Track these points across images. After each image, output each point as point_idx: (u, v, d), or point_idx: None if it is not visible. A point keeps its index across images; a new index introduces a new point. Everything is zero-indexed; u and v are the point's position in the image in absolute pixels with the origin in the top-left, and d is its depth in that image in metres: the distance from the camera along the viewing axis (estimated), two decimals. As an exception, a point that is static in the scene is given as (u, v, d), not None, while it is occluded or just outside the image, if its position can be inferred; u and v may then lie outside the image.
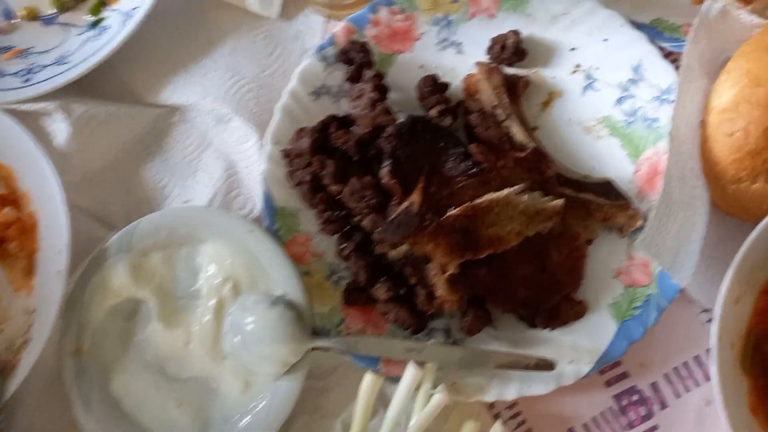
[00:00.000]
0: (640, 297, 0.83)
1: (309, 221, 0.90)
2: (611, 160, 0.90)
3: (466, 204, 0.79)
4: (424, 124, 0.86)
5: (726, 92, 0.78)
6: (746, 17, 0.83)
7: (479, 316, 0.82)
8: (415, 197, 0.80)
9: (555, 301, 0.83)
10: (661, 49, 0.89)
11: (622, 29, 0.89)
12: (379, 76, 0.90)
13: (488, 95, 0.90)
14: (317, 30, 1.01)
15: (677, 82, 0.81)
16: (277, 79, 0.98)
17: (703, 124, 0.81)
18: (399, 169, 0.82)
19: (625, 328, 0.83)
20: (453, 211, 0.79)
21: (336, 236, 0.88)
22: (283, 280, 0.85)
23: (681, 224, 0.79)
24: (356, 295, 0.85)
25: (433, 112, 0.89)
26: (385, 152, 0.83)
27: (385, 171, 0.82)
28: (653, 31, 0.90)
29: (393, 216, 0.80)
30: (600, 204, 0.85)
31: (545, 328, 0.84)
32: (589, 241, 0.86)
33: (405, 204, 0.80)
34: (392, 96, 0.94)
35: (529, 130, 0.91)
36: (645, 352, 0.84)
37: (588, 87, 0.92)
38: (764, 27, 0.81)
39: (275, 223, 0.89)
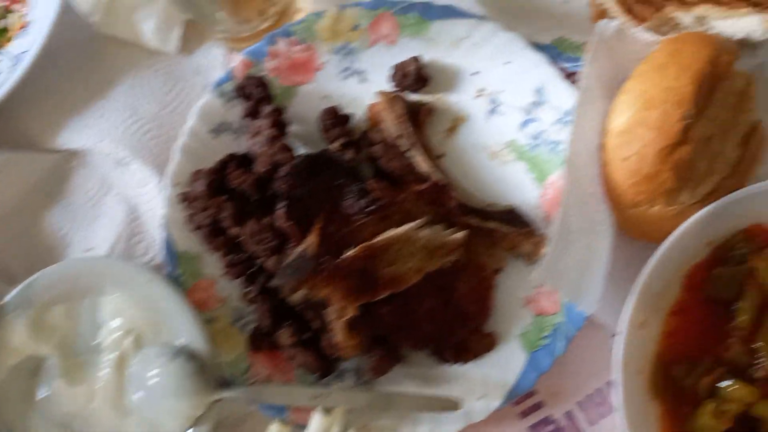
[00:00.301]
0: (548, 326, 0.82)
1: (212, 265, 0.88)
2: (518, 185, 0.89)
3: (363, 244, 0.78)
4: (321, 161, 0.85)
5: (622, 114, 0.78)
6: (643, 35, 0.83)
7: (386, 357, 0.81)
8: (312, 239, 0.78)
9: (464, 335, 0.83)
10: (564, 69, 0.89)
11: (524, 52, 0.89)
12: (278, 112, 0.88)
13: (391, 125, 0.89)
14: (218, 64, 0.99)
15: (575, 105, 0.80)
16: (177, 117, 0.96)
17: (602, 147, 0.80)
18: (295, 209, 0.81)
19: (534, 359, 0.82)
20: (348, 253, 0.77)
21: (240, 280, 0.86)
22: (186, 328, 0.83)
23: (582, 251, 0.78)
24: (262, 341, 0.84)
25: (335, 146, 0.88)
26: (280, 193, 0.81)
27: (280, 213, 0.80)
28: (555, 51, 0.89)
29: (288, 260, 0.79)
30: (505, 232, 0.84)
31: (455, 363, 0.83)
32: (497, 271, 0.86)
33: (300, 247, 0.78)
34: (296, 129, 0.93)
35: (435, 158, 0.90)
36: (558, 380, 0.83)
37: (493, 111, 0.91)
38: (660, 45, 0.80)
39: (177, 268, 0.87)
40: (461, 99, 0.92)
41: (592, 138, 0.80)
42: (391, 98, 0.90)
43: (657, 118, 0.74)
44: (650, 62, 0.79)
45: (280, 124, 0.88)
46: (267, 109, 0.88)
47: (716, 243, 0.80)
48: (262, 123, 0.88)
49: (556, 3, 0.95)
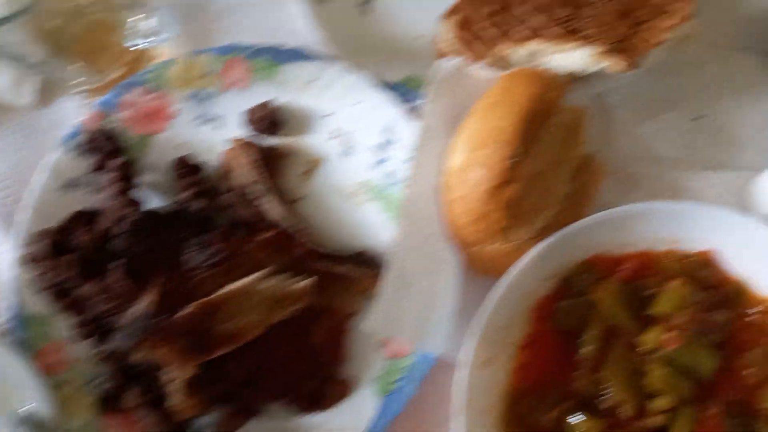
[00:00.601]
0: (400, 368, 0.82)
1: (63, 327, 0.86)
2: (374, 225, 0.89)
3: (197, 302, 0.77)
4: (166, 215, 0.85)
5: (457, 154, 0.79)
6: (481, 72, 0.84)
7: (236, 413, 0.80)
8: (150, 297, 0.78)
9: (319, 383, 0.82)
10: (413, 108, 0.90)
11: (372, 91, 0.89)
12: (124, 165, 0.88)
13: (244, 172, 0.89)
14: (74, 117, 0.99)
15: (416, 145, 0.81)
16: (32, 173, 0.95)
17: (442, 186, 0.81)
18: (134, 267, 0.80)
19: (387, 403, 0.81)
20: (183, 311, 0.77)
21: (90, 340, 0.85)
22: (33, 395, 0.82)
23: (424, 294, 0.78)
24: (112, 403, 0.83)
25: (186, 196, 0.88)
26: (118, 251, 0.81)
27: (115, 272, 0.80)
28: (404, 89, 0.90)
29: (125, 320, 0.78)
30: (357, 276, 0.85)
31: (311, 412, 0.83)
32: (351, 315, 0.86)
33: (137, 306, 0.78)
34: (152, 179, 0.93)
35: (292, 201, 0.91)
36: (413, 421, 0.83)
37: (346, 152, 0.92)
38: (496, 82, 0.82)
39: (25, 332, 0.85)
40: (316, 141, 0.93)
41: (432, 177, 0.81)
42: (243, 145, 0.90)
43: (486, 157, 0.75)
44: (484, 101, 0.80)
45: (126, 178, 0.87)
46: (113, 162, 0.88)
47: (560, 275, 0.81)
48: (109, 177, 0.87)
49: (406, 40, 0.96)
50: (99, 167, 0.89)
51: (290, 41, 0.97)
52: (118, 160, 0.88)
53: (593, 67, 0.82)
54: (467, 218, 0.77)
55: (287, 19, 0.99)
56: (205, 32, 0.99)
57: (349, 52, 0.93)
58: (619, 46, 0.80)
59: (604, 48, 0.79)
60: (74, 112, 0.98)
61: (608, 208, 0.85)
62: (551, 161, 0.78)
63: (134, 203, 0.85)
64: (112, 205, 0.85)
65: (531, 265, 0.78)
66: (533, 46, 0.82)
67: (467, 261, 0.82)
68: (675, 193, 0.87)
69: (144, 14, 0.87)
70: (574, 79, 0.83)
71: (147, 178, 0.93)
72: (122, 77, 0.96)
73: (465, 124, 0.81)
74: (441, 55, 0.87)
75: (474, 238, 0.78)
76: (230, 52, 0.92)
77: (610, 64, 0.80)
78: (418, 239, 0.79)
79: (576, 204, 0.80)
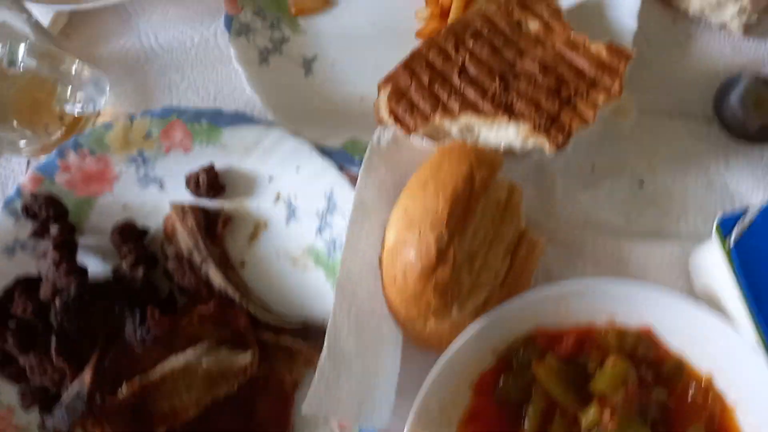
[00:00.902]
0: (344, 443, 0.84)
1: (11, 394, 0.88)
2: (318, 292, 0.89)
3: (135, 382, 0.78)
4: (104, 288, 0.85)
5: (390, 231, 0.79)
6: (419, 142, 0.84)
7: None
8: (86, 376, 0.79)
9: (262, 457, 0.84)
10: (353, 175, 0.90)
11: (311, 157, 0.90)
12: (63, 233, 0.88)
13: (185, 238, 0.90)
14: (19, 174, 0.99)
15: (349, 221, 0.82)
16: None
17: (380, 261, 0.82)
18: (75, 339, 0.81)
19: (329, 478, 0.83)
20: (121, 391, 0.78)
21: (37, 408, 0.86)
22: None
23: (365, 370, 0.79)
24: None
25: (125, 265, 0.88)
26: (54, 328, 0.81)
27: (53, 350, 0.81)
28: (345, 155, 0.90)
29: (62, 399, 0.79)
30: (300, 348, 0.85)
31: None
32: (296, 386, 0.87)
33: (75, 384, 0.78)
34: (95, 242, 0.93)
35: (235, 267, 0.91)
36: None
37: (291, 216, 0.92)
38: (432, 154, 0.82)
39: (-30, 399, 0.87)
40: (261, 204, 0.93)
41: (370, 253, 0.81)
42: (182, 210, 0.90)
43: (416, 240, 0.75)
44: (417, 176, 0.80)
45: (65, 246, 0.88)
46: (53, 230, 0.88)
47: (501, 350, 0.82)
48: (49, 245, 0.88)
49: (351, 100, 0.96)
50: (40, 233, 0.89)
51: (234, 100, 0.98)
52: (58, 227, 0.88)
53: (524, 145, 0.82)
54: (401, 297, 0.78)
55: (231, 76, 0.99)
56: (146, 90, 1.00)
57: (292, 114, 0.93)
58: (547, 125, 0.80)
59: (532, 127, 0.79)
60: (20, 168, 0.99)
61: (550, 278, 0.87)
62: (485, 239, 0.78)
63: (75, 272, 0.85)
64: (53, 275, 0.85)
65: (471, 342, 0.79)
66: (466, 119, 0.82)
67: (408, 336, 0.82)
68: (618, 262, 0.88)
69: (75, 86, 0.87)
70: (511, 151, 0.84)
71: (89, 240, 0.93)
72: (63, 138, 0.96)
73: (400, 198, 0.81)
74: (380, 121, 0.87)
75: (410, 316, 0.79)
76: (169, 114, 0.92)
77: (539, 143, 0.80)
78: (355, 317, 0.79)
79: (514, 279, 0.80)
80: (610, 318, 0.82)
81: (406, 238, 0.76)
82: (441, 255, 0.74)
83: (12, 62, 0.80)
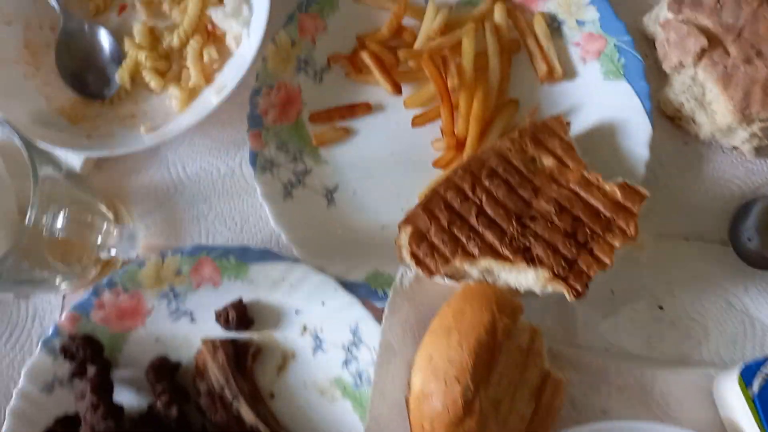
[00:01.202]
0: None
1: None
2: (346, 423, 0.93)
3: None
4: (141, 424, 0.90)
5: (417, 376, 0.83)
6: (441, 281, 0.89)
7: None
8: None
9: None
10: (377, 309, 0.94)
11: (336, 293, 0.94)
12: (100, 374, 0.93)
13: (215, 374, 0.94)
14: (56, 306, 1.05)
15: (376, 364, 0.86)
16: (17, 367, 1.01)
17: (406, 401, 0.86)
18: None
19: None
20: None
21: None
22: None
23: None
24: None
25: (160, 403, 0.93)
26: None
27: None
28: (368, 289, 0.95)
29: None
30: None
31: None
32: None
33: None
34: (130, 375, 0.98)
35: (264, 399, 0.96)
36: None
37: (317, 348, 0.96)
38: (454, 295, 0.86)
39: None
40: (288, 336, 0.98)
41: (397, 395, 0.85)
42: (213, 347, 0.95)
43: (441, 392, 0.79)
44: (440, 320, 0.84)
45: (102, 388, 0.92)
46: (91, 370, 0.93)
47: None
48: (86, 386, 0.93)
49: (373, 229, 1.01)
50: (78, 373, 0.94)
51: (260, 230, 1.04)
52: (95, 369, 0.93)
53: (543, 290, 0.86)
54: (429, 444, 0.82)
55: (257, 206, 1.04)
56: (175, 221, 1.05)
57: (316, 247, 0.98)
58: (566, 272, 0.84)
59: (550, 274, 0.84)
60: (56, 301, 1.05)
61: (575, 406, 0.90)
62: (510, 386, 0.82)
63: (112, 415, 0.90)
64: (90, 418, 0.90)
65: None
66: (486, 263, 0.86)
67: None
68: (642, 389, 0.91)
69: (108, 242, 0.93)
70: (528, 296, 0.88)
71: (124, 373, 0.98)
72: (98, 276, 1.02)
73: (424, 341, 0.85)
74: (401, 259, 0.92)
75: (438, 462, 0.83)
76: (199, 252, 0.97)
77: (558, 289, 0.84)
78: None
79: (541, 421, 0.84)
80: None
81: (433, 389, 0.80)
82: (467, 406, 0.78)
83: (52, 232, 0.86)
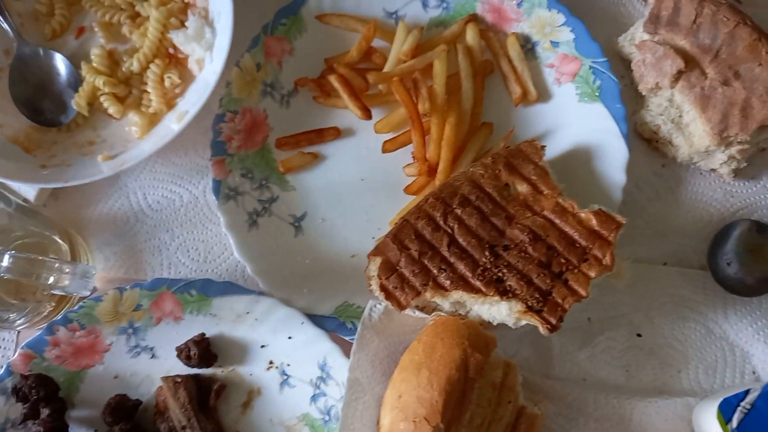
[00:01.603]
0: None
1: None
2: (314, 463, 0.92)
3: None
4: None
5: (386, 414, 0.80)
6: (411, 313, 0.87)
7: None
8: None
9: None
10: (345, 341, 0.92)
11: (303, 327, 0.92)
12: (53, 418, 0.90)
13: (176, 413, 0.91)
14: (9, 344, 1.02)
15: (343, 403, 0.84)
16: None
17: (378, 439, 0.84)
18: None
19: None
20: None
21: None
22: None
23: None
24: None
25: (118, 446, 0.91)
26: None
27: None
28: (336, 322, 0.93)
29: None
30: None
31: None
32: None
33: None
34: (87, 414, 0.95)
35: (229, 439, 0.93)
36: None
37: (284, 383, 0.94)
38: (425, 329, 0.85)
39: None
40: (254, 371, 0.95)
41: (367, 428, 0.84)
42: (174, 384, 0.92)
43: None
44: (411, 355, 0.82)
45: (56, 431, 0.90)
46: (44, 413, 0.91)
47: None
48: (38, 430, 0.90)
49: (342, 258, 0.99)
50: (30, 416, 0.91)
51: (224, 260, 1.02)
52: (48, 411, 0.90)
53: (513, 323, 0.85)
54: (399, 486, 0.80)
55: (221, 234, 1.02)
56: (135, 252, 1.03)
57: (282, 279, 0.96)
58: (540, 305, 0.82)
59: (523, 307, 0.82)
60: (10, 338, 1.02)
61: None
62: (483, 423, 0.79)
63: (63, 461, 0.87)
64: (42, 463, 0.87)
65: None
66: (457, 296, 0.85)
67: None
68: (620, 420, 0.89)
69: (60, 280, 0.90)
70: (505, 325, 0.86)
71: (82, 414, 0.95)
72: (53, 313, 0.99)
73: (394, 378, 0.83)
74: (371, 290, 0.90)
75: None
76: (159, 286, 0.95)
77: (532, 323, 0.82)
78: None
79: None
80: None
81: (402, 429, 0.78)
82: (437, 447, 0.76)
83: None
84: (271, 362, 0.95)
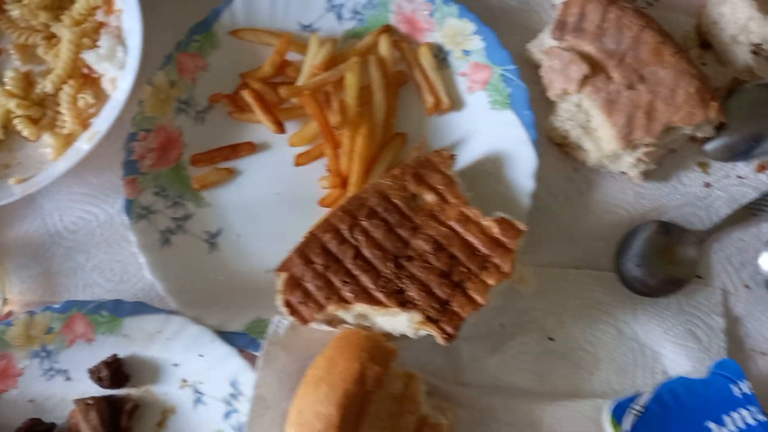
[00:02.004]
0: None
1: None
2: (228, 480, 0.93)
3: None
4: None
5: (289, 430, 0.82)
6: (318, 327, 0.89)
7: None
8: None
9: None
10: (256, 358, 0.94)
11: (214, 344, 0.93)
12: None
13: (89, 436, 0.93)
14: None
15: (248, 420, 0.85)
16: None
17: (283, 457, 0.85)
18: None
19: None
20: None
21: None
22: None
23: None
24: None
25: (30, 471, 0.91)
26: None
27: None
28: (248, 339, 0.94)
29: None
30: None
31: None
32: None
33: None
34: (3, 442, 0.96)
35: (144, 460, 0.94)
36: None
37: (198, 401, 0.95)
38: (325, 351, 0.86)
39: None
40: (167, 390, 0.96)
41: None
42: (85, 407, 0.93)
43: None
44: (313, 370, 0.83)
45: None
46: (-47, 440, 0.92)
47: None
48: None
49: (257, 274, 1.00)
50: (-62, 444, 0.92)
51: (140, 279, 1.02)
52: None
53: (413, 335, 0.86)
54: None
55: (136, 254, 1.03)
56: (51, 275, 1.04)
57: (196, 297, 0.97)
58: (438, 316, 0.83)
59: (422, 317, 0.83)
60: None
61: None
62: (381, 435, 0.82)
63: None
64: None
65: None
66: (359, 308, 0.86)
67: None
68: (531, 425, 0.91)
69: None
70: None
71: (-3, 440, 0.96)
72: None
73: (297, 393, 0.84)
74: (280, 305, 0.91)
75: None
76: (70, 308, 0.96)
77: (427, 332, 0.84)
78: None
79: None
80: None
81: (296, 439, 0.80)
82: (334, 461, 0.78)
83: None
84: (184, 380, 0.96)
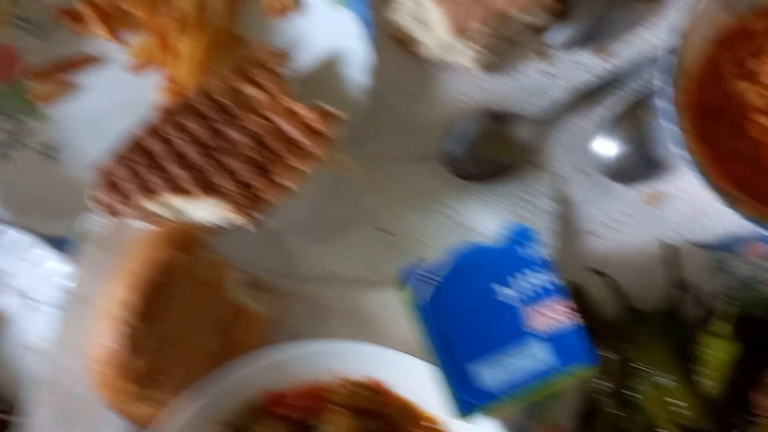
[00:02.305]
0: None
1: None
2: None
3: None
4: None
5: (101, 323, 0.85)
6: (134, 223, 0.90)
7: None
8: None
9: None
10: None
11: (35, 247, 0.95)
12: None
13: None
14: None
15: (62, 317, 0.86)
16: None
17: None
18: None
19: None
20: None
21: None
22: None
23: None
24: None
25: None
26: None
27: None
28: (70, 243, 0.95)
29: None
30: None
31: None
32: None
33: None
34: None
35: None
36: None
37: (27, 307, 0.96)
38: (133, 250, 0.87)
39: None
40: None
41: (83, 345, 0.86)
42: None
43: (110, 334, 0.80)
44: (122, 261, 0.85)
45: None
46: None
47: (229, 420, 0.86)
48: None
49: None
50: None
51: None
52: None
53: (229, 223, 0.87)
54: (106, 387, 0.82)
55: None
56: None
57: (33, 207, 0.99)
58: (247, 202, 0.84)
59: (231, 205, 0.84)
60: None
61: (298, 337, 0.91)
62: (188, 321, 0.82)
63: None
64: None
65: (192, 419, 0.83)
66: (166, 198, 0.86)
67: (130, 420, 0.87)
68: (361, 313, 0.92)
69: None
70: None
71: None
72: None
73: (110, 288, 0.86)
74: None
75: (122, 405, 0.83)
76: None
77: (235, 219, 0.85)
78: (71, 412, 0.84)
79: (234, 355, 0.84)
80: (338, 375, 0.87)
81: (103, 332, 0.81)
82: (136, 347, 0.79)
83: None
84: (11, 287, 0.97)
